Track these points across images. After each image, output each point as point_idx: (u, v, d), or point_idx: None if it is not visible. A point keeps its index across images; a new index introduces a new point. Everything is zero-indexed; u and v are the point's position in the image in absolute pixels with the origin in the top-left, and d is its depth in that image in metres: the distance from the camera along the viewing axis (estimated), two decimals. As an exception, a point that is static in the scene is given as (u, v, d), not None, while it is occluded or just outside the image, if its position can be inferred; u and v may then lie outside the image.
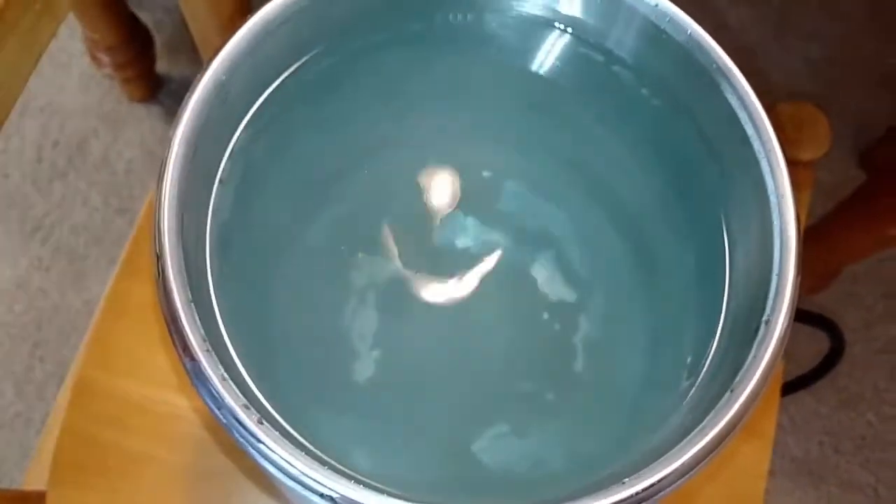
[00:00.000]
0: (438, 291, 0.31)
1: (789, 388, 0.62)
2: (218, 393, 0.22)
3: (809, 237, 0.64)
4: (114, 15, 0.79)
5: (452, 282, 0.31)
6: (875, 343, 0.85)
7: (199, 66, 0.54)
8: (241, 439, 0.22)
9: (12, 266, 0.85)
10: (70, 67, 0.94)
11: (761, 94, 0.27)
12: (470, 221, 0.31)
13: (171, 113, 0.92)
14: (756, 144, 0.26)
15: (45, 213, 0.88)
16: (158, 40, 0.90)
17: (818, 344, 0.72)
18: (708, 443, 0.23)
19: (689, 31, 0.27)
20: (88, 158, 0.90)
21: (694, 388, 0.28)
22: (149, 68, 0.89)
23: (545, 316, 0.30)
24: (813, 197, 0.54)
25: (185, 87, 0.24)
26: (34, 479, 0.48)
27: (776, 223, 0.25)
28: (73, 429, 0.43)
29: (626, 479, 0.23)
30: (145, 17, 0.88)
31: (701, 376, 0.28)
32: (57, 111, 0.92)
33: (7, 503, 0.42)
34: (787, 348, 0.25)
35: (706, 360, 0.28)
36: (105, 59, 0.83)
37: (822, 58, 0.97)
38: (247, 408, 0.22)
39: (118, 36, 0.81)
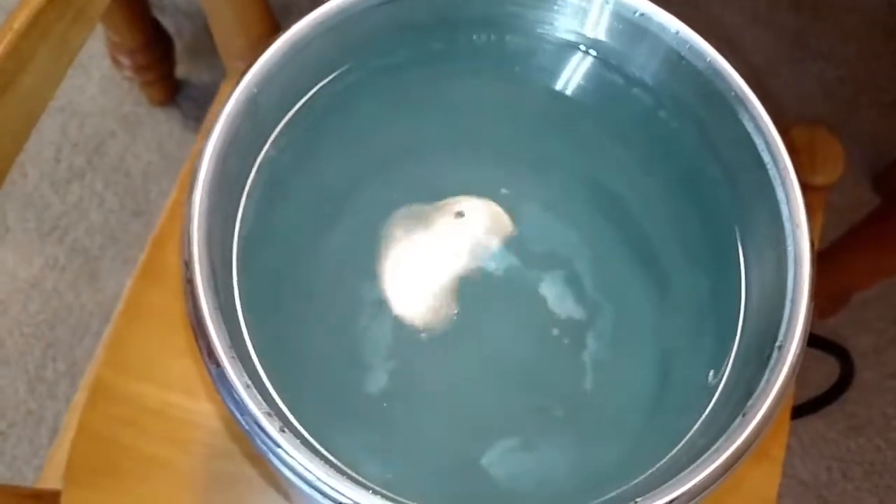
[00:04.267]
0: (452, 305, 0.31)
1: (799, 411, 0.62)
2: (242, 400, 0.22)
3: (821, 261, 0.64)
4: (136, 18, 0.80)
5: (466, 296, 0.31)
6: (885, 368, 0.84)
7: (220, 71, 0.55)
8: (263, 446, 0.22)
9: (27, 265, 0.86)
10: (91, 69, 0.94)
11: (775, 116, 0.27)
12: (485, 238, 0.32)
13: (190, 117, 0.92)
14: (772, 171, 0.26)
15: (61, 214, 0.88)
16: (179, 44, 0.91)
17: (828, 368, 0.72)
18: (719, 466, 0.23)
19: (708, 59, 0.27)
20: (106, 160, 0.91)
21: (706, 411, 0.28)
22: (169, 72, 0.89)
23: (555, 333, 0.31)
24: (825, 220, 0.54)
25: (205, 91, 0.25)
26: (49, 478, 0.49)
27: (790, 250, 0.25)
28: (89, 430, 0.43)
29: (637, 500, 0.23)
30: (167, 21, 0.88)
31: (714, 399, 0.28)
32: (76, 112, 0.93)
33: (22, 501, 0.43)
34: (798, 372, 0.25)
35: (720, 382, 0.29)
36: (126, 61, 0.84)
37: (837, 79, 0.97)
38: (269, 415, 0.22)
39: (140, 39, 0.82)
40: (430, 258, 0.31)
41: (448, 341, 0.31)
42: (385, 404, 0.29)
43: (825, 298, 0.81)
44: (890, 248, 0.71)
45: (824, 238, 0.76)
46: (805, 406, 0.61)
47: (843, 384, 0.58)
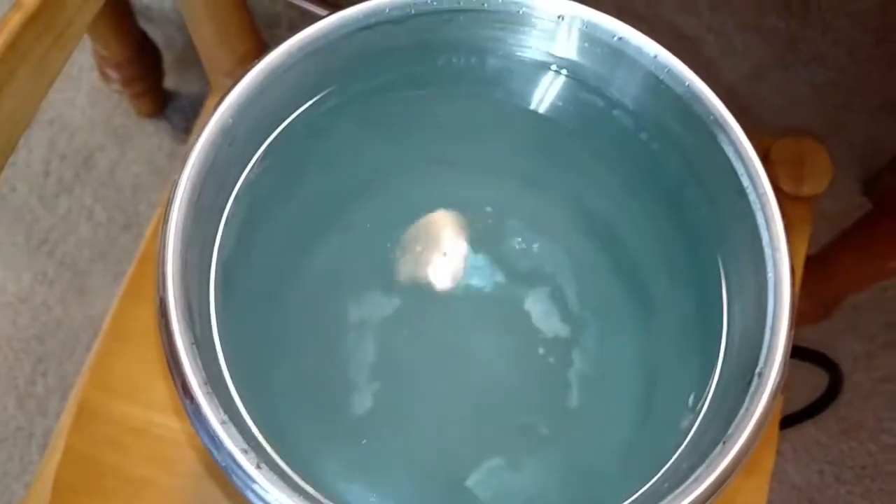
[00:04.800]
0: (436, 324, 0.31)
1: (789, 421, 0.62)
2: (217, 436, 0.22)
3: (812, 265, 0.64)
4: (123, 31, 0.79)
5: (450, 314, 0.31)
6: (876, 372, 0.84)
7: (208, 83, 0.55)
8: (240, 482, 0.22)
9: (16, 279, 0.85)
10: (79, 81, 0.94)
11: (755, 143, 0.27)
12: (469, 257, 0.32)
13: (179, 129, 0.92)
14: (752, 196, 0.26)
15: (50, 227, 0.88)
16: (168, 56, 0.90)
17: (818, 375, 0.72)
18: (701, 494, 0.23)
19: (686, 83, 0.27)
20: (95, 173, 0.91)
21: (690, 435, 0.28)
22: (157, 84, 0.89)
23: (541, 351, 0.31)
24: (816, 224, 0.54)
25: (194, 103, 0.25)
26: (36, 499, 0.49)
27: (770, 276, 0.25)
28: (74, 451, 0.43)
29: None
30: (155, 33, 0.88)
31: (697, 422, 0.28)
32: (65, 125, 0.92)
33: (7, 525, 0.43)
34: (788, 381, 0.25)
35: (703, 405, 0.28)
36: (114, 74, 0.84)
37: (828, 83, 0.97)
38: (245, 452, 0.22)
39: (127, 52, 0.81)
40: (414, 278, 0.31)
41: (432, 361, 0.31)
42: (368, 426, 0.29)
43: (816, 303, 0.81)
44: (881, 252, 0.71)
45: (815, 242, 0.76)
46: (795, 416, 0.61)
47: (831, 395, 0.58)
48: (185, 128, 0.92)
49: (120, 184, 0.90)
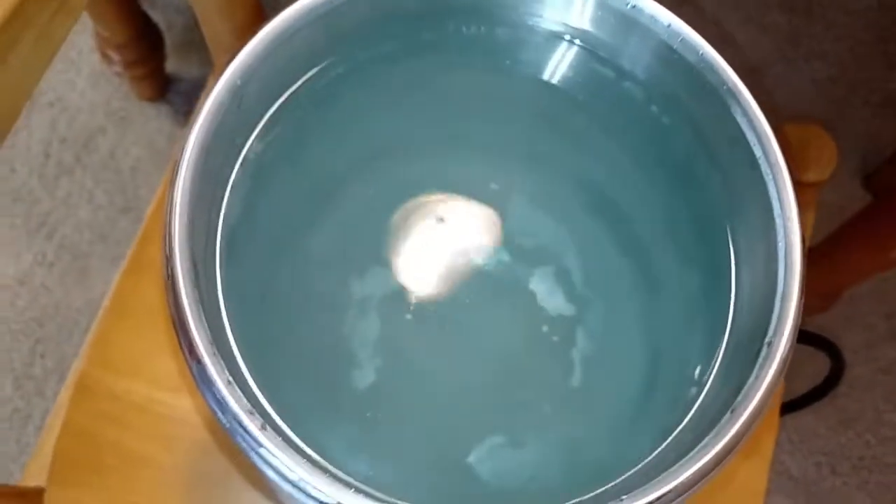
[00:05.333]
0: (439, 301, 0.31)
1: (789, 407, 0.62)
2: (223, 397, 0.22)
3: (813, 257, 0.64)
4: (125, 13, 0.79)
5: (454, 292, 0.31)
6: (876, 363, 0.85)
7: (210, 66, 0.54)
8: (244, 444, 0.22)
9: (16, 261, 0.85)
10: (80, 64, 0.94)
11: (768, 113, 0.27)
12: (474, 233, 0.31)
13: (180, 112, 0.92)
14: (764, 166, 0.26)
15: (50, 210, 0.88)
16: (169, 39, 0.90)
17: (819, 363, 0.72)
18: (707, 462, 0.23)
19: (700, 52, 0.27)
20: (95, 156, 0.90)
21: (695, 407, 0.28)
22: (158, 67, 0.89)
23: (545, 329, 0.30)
24: (817, 217, 0.54)
25: (195, 86, 0.24)
26: (33, 476, 0.49)
27: (781, 246, 0.25)
28: (74, 427, 0.43)
29: (625, 497, 0.23)
30: (157, 16, 0.88)
31: (702, 395, 0.28)
32: (66, 107, 0.92)
33: (5, 500, 0.42)
34: (788, 368, 0.25)
35: (708, 378, 0.28)
36: (115, 56, 0.84)
37: (829, 78, 0.97)
38: (251, 413, 0.22)
39: (129, 34, 0.81)
40: (419, 253, 0.31)
41: (436, 337, 0.31)
42: (371, 400, 0.29)
43: (816, 295, 0.81)
44: (881, 244, 0.71)
45: (816, 235, 0.76)
46: (795, 402, 0.61)
47: (833, 381, 0.58)
48: (187, 111, 0.91)
49: (120, 167, 0.90)
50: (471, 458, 0.29)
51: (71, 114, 0.92)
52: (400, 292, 0.30)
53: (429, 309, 0.31)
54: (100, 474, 0.42)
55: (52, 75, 0.93)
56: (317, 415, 0.29)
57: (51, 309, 0.84)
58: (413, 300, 0.31)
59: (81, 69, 0.94)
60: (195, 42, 0.94)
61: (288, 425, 0.26)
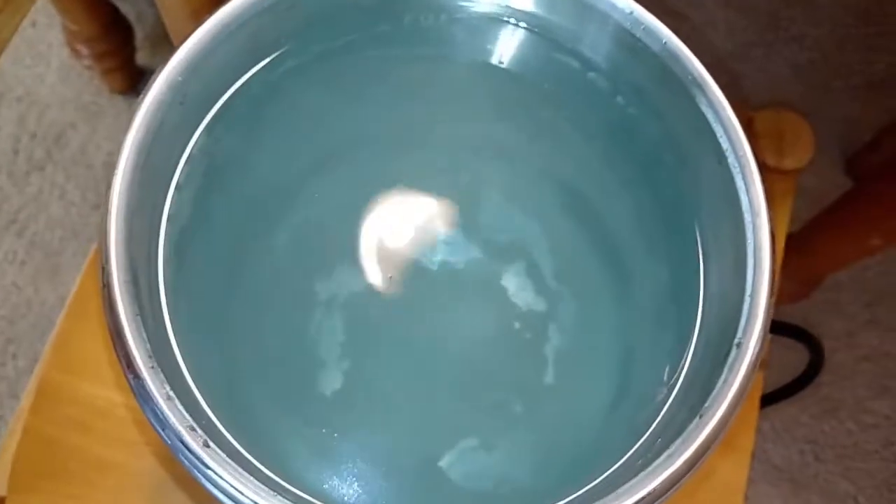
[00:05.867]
0: (408, 302, 0.30)
1: (769, 399, 0.62)
2: (162, 413, 0.21)
3: (793, 244, 0.63)
4: (93, 6, 0.77)
5: (422, 290, 0.30)
6: (858, 351, 0.84)
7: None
8: (187, 462, 0.21)
9: (-14, 260, 0.84)
10: (49, 58, 0.92)
11: (735, 104, 0.26)
12: (440, 229, 0.31)
13: (152, 106, 0.90)
14: (731, 159, 0.25)
15: (20, 207, 0.86)
16: (140, 32, 0.88)
17: (799, 353, 0.72)
18: (676, 470, 0.22)
19: (664, 41, 0.26)
20: (66, 151, 0.89)
21: (666, 407, 0.27)
22: (129, 60, 0.87)
23: (516, 326, 0.30)
24: (798, 203, 0.53)
25: None
26: (-5, 484, 0.47)
27: (750, 242, 0.24)
28: (35, 433, 0.41)
29: (598, 502, 0.22)
30: (127, 8, 0.86)
31: (673, 395, 0.27)
32: (35, 102, 0.90)
33: (-37, 509, 0.41)
34: (768, 358, 0.24)
35: (679, 377, 0.28)
36: (84, 50, 0.82)
37: (809, 62, 0.97)
38: (192, 430, 0.21)
39: (97, 27, 0.79)
40: (385, 251, 0.30)
41: (405, 338, 0.30)
42: (338, 406, 0.28)
43: (797, 282, 0.81)
44: (862, 231, 0.71)
45: (796, 221, 0.76)
46: (775, 394, 0.60)
47: (812, 372, 0.58)
48: (158, 105, 0.90)
49: (92, 162, 0.88)
50: (442, 462, 0.28)
51: (40, 108, 0.90)
52: (366, 293, 0.30)
53: (397, 309, 0.30)
54: (63, 481, 0.41)
55: (20, 70, 0.91)
56: (276, 423, 0.28)
57: (22, 308, 0.82)
58: (380, 300, 0.30)
59: (51, 63, 0.92)
60: (165, 35, 0.92)
61: (239, 438, 0.25)
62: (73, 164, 0.88)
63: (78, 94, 0.91)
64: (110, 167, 0.73)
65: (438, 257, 0.30)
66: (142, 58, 0.90)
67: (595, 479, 0.27)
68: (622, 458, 0.27)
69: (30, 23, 0.91)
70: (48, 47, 0.92)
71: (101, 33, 0.80)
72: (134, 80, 0.89)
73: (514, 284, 0.30)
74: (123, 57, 0.85)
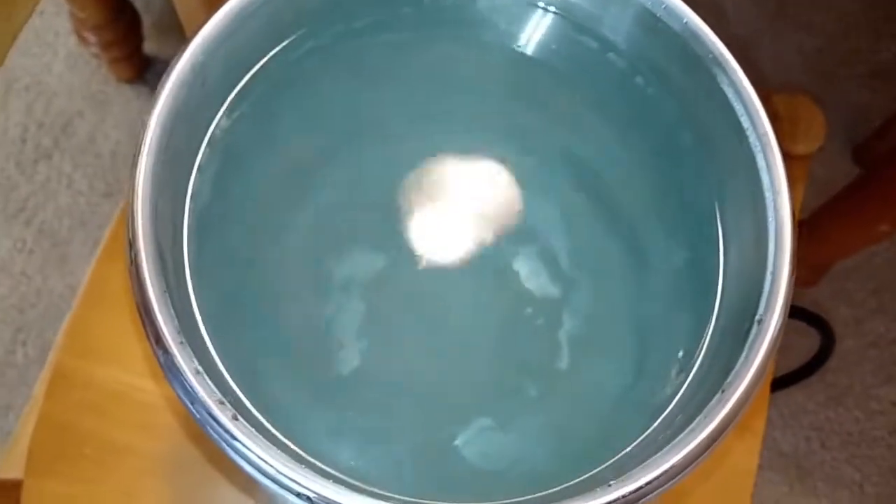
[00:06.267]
0: (424, 284, 0.30)
1: (779, 384, 0.62)
2: (192, 387, 0.21)
3: (801, 231, 0.63)
4: (100, -6, 0.77)
5: (438, 274, 0.30)
6: (865, 338, 0.85)
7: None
8: (216, 435, 0.21)
9: (-6, 248, 0.84)
10: (56, 46, 0.92)
11: (755, 84, 0.26)
12: (456, 212, 0.31)
13: (159, 95, 0.90)
14: (752, 138, 0.25)
15: (28, 195, 0.86)
16: (147, 20, 0.88)
17: (808, 339, 0.72)
18: (697, 445, 0.22)
19: (685, 20, 0.26)
20: (74, 140, 0.89)
21: (684, 387, 0.27)
22: (136, 48, 0.87)
23: (529, 311, 0.30)
24: (806, 190, 0.53)
25: None
26: (12, 468, 0.48)
27: (771, 220, 0.24)
28: (51, 417, 0.42)
29: (612, 482, 0.23)
30: (134, -4, 0.86)
31: (691, 375, 0.27)
32: (42, 91, 0.90)
33: (-19, 492, 0.42)
34: (779, 345, 0.24)
35: (697, 358, 0.28)
36: (92, 38, 0.82)
37: (817, 50, 0.96)
38: (221, 403, 0.21)
39: (105, 15, 0.79)
40: (402, 234, 0.30)
41: (421, 320, 0.30)
42: (354, 386, 0.28)
43: (806, 269, 0.81)
44: (870, 218, 0.71)
45: (805, 209, 0.76)
46: (785, 378, 0.60)
47: (823, 356, 0.58)
48: (166, 93, 0.90)
49: (100, 150, 0.88)
50: (458, 442, 0.28)
51: (48, 97, 0.90)
52: (383, 275, 0.30)
53: (414, 291, 0.30)
54: (78, 464, 0.41)
55: (28, 59, 0.91)
56: (297, 402, 0.28)
57: (31, 296, 0.82)
58: (397, 282, 0.30)
59: (58, 52, 0.92)
60: (173, 23, 0.92)
61: (264, 414, 0.25)
62: (80, 153, 0.88)
63: (85, 82, 0.91)
64: (118, 156, 0.73)
65: (454, 241, 0.30)
66: (149, 46, 0.90)
67: (615, 456, 0.27)
68: (640, 437, 0.27)
69: (37, 11, 0.91)
70: (55, 36, 0.92)
71: (108, 21, 0.80)
72: (141, 69, 0.89)
73: (529, 267, 0.30)
74: (131, 45, 0.85)
